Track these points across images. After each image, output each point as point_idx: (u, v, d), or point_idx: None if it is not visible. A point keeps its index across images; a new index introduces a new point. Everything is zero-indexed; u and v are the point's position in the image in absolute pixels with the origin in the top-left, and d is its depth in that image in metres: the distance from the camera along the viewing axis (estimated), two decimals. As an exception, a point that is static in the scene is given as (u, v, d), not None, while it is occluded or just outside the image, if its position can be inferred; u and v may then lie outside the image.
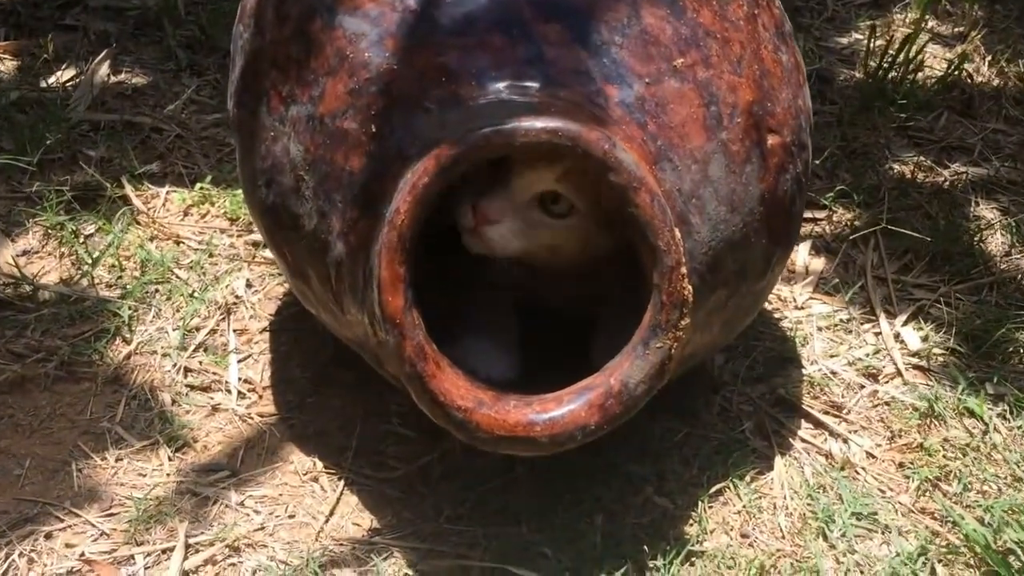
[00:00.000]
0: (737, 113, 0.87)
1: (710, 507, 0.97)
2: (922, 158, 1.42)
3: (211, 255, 1.25)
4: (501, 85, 0.83)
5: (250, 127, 0.95)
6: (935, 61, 1.62)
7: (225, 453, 1.03)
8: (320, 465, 1.01)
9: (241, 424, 1.06)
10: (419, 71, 0.84)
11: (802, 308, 1.21)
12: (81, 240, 1.26)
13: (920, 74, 1.54)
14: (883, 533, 0.96)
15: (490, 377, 0.90)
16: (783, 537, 0.95)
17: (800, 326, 1.17)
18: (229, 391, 1.09)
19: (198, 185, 1.35)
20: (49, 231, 1.27)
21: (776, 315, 1.19)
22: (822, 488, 0.99)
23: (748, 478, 0.99)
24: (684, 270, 0.82)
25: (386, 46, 0.85)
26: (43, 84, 1.53)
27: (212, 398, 1.08)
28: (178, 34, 1.64)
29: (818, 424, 1.07)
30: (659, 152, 0.84)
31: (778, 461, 1.02)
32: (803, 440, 1.05)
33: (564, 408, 0.82)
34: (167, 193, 1.35)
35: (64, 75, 1.56)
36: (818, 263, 1.27)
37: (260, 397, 1.09)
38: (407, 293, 0.81)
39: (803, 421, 1.07)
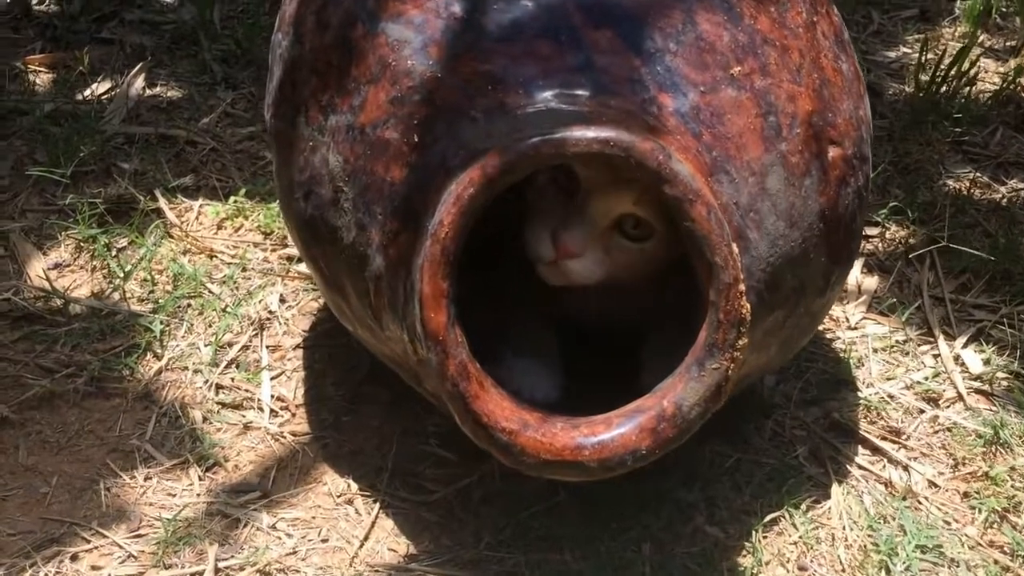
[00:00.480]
0: (797, 123, 0.83)
1: (764, 537, 0.92)
2: (978, 174, 1.37)
3: (244, 269, 1.23)
4: (549, 94, 0.79)
5: (288, 138, 0.92)
6: (987, 75, 1.57)
7: (257, 473, 0.99)
8: (355, 487, 0.97)
9: (273, 443, 1.02)
10: (464, 79, 0.81)
11: (856, 328, 1.16)
12: (113, 253, 1.24)
13: (973, 88, 1.49)
14: (950, 567, 0.91)
15: (534, 398, 0.87)
16: (843, 571, 0.90)
17: (854, 347, 1.12)
18: (261, 409, 1.06)
19: (231, 199, 1.33)
20: (81, 244, 1.25)
21: (829, 335, 1.15)
22: (883, 518, 0.94)
23: (804, 507, 0.95)
24: (742, 287, 0.77)
25: (430, 53, 0.82)
26: (78, 97, 1.52)
27: (244, 416, 1.05)
28: (214, 48, 1.63)
29: (876, 450, 1.02)
30: (715, 164, 0.80)
31: (835, 489, 0.97)
32: (861, 467, 1.00)
33: (614, 431, 0.78)
34: (200, 207, 1.33)
35: (99, 88, 1.54)
36: (872, 282, 1.22)
37: (293, 415, 1.06)
38: (450, 309, 0.77)
39: (860, 447, 1.02)
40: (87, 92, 1.52)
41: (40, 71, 1.58)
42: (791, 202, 0.83)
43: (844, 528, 0.93)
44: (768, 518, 0.93)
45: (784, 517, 0.94)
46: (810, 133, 0.84)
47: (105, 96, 1.53)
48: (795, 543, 0.92)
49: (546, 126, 0.77)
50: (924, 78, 1.48)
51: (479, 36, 0.81)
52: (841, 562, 0.90)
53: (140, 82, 1.57)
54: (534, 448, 0.77)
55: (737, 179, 0.81)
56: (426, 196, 0.81)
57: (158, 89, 1.56)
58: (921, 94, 1.46)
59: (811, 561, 0.90)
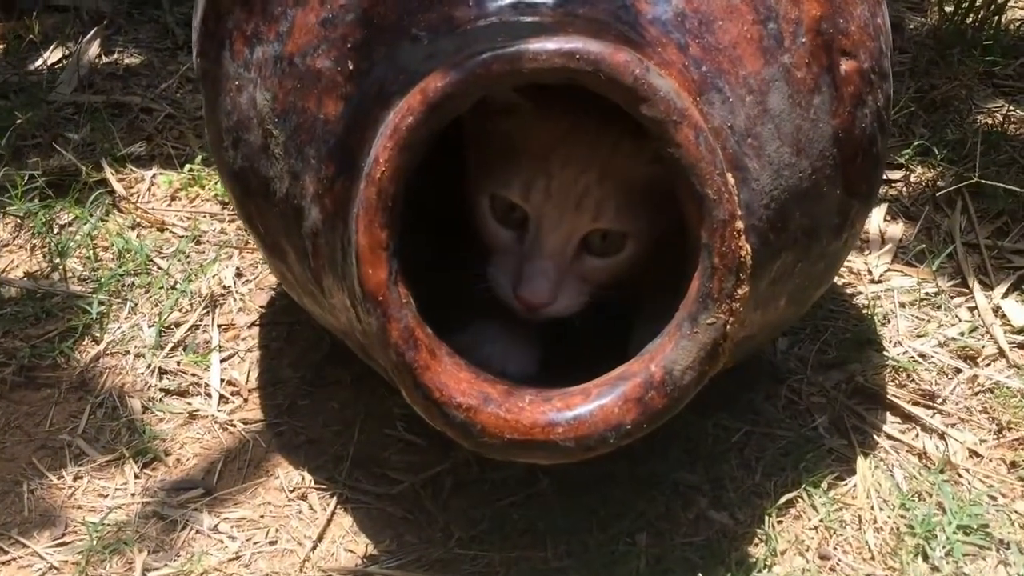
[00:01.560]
0: (802, 31, 0.70)
1: (779, 522, 0.80)
2: (1011, 108, 1.23)
3: (198, 242, 1.11)
4: (505, 3, 0.67)
5: (214, 78, 0.79)
6: (1018, 2, 1.42)
7: (200, 468, 0.87)
8: (310, 479, 0.86)
9: (221, 433, 0.91)
10: (404, -8, 0.68)
11: (880, 281, 1.03)
12: (55, 231, 1.12)
13: (1002, 17, 1.35)
14: (998, 550, 0.78)
15: (505, 371, 0.74)
16: (872, 558, 0.77)
17: (878, 302, 0.99)
18: (209, 395, 0.94)
19: (187, 167, 1.21)
20: (21, 221, 1.14)
21: (849, 290, 1.01)
22: (918, 495, 0.81)
23: (825, 485, 0.82)
24: (740, 225, 0.65)
25: (363, -36, 0.69)
26: (30, 68, 1.40)
27: (189, 404, 0.93)
28: (176, 11, 1.51)
29: (907, 417, 0.89)
30: (704, 80, 0.67)
31: (861, 463, 0.84)
32: (890, 437, 0.87)
33: (593, 403, 0.65)
34: (153, 176, 1.21)
35: (52, 57, 1.43)
36: (896, 229, 1.08)
37: (245, 401, 0.94)
38: (391, 263, 0.65)
39: (888, 414, 0.89)
40: (38, 62, 1.41)
41: (-12, 43, 1.47)
42: (798, 125, 0.70)
43: (872, 508, 0.80)
44: (783, 500, 0.81)
45: (802, 498, 0.81)
46: (818, 42, 0.70)
47: (57, 65, 1.41)
48: (815, 528, 0.79)
49: (500, 41, 0.65)
50: (948, 8, 1.34)
51: (419, -59, 0.69)
52: (870, 548, 0.77)
53: (95, 49, 1.45)
54: (497, 426, 0.65)
55: (732, 98, 0.68)
56: (363, 133, 0.68)
57: (115, 56, 1.44)
58: (946, 25, 1.32)
59: (834, 548, 0.77)
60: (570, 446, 0.65)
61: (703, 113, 0.66)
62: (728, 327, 0.65)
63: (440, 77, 0.64)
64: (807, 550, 0.77)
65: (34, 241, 1.11)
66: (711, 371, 0.66)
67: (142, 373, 0.96)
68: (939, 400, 0.90)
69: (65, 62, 1.41)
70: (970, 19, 1.31)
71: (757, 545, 0.78)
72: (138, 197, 1.18)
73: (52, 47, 1.44)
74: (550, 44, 0.63)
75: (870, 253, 1.06)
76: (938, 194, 1.10)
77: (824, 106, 0.71)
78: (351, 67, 0.69)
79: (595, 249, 0.73)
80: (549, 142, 0.70)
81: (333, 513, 0.83)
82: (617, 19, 0.66)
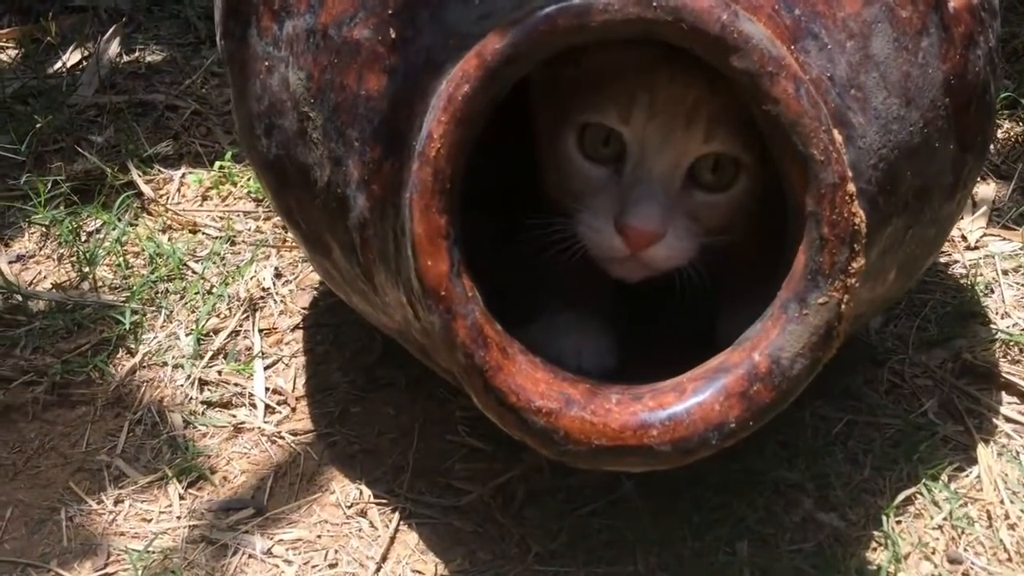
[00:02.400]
0: (904, -36, 0.61)
1: (898, 522, 0.71)
2: (1104, 51, 1.13)
3: (233, 243, 1.04)
4: (565, -49, 0.58)
5: (241, 60, 0.72)
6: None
7: (249, 485, 0.81)
8: (368, 494, 0.78)
9: (269, 446, 0.84)
10: (449, -54, 0.60)
11: (976, 248, 0.94)
12: (83, 238, 1.06)
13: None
14: None
15: (581, 367, 0.66)
16: (1010, 559, 0.68)
17: (979, 270, 0.90)
18: (254, 405, 0.87)
19: (217, 164, 1.14)
20: (48, 230, 1.07)
21: (944, 259, 0.92)
22: (1052, 485, 0.72)
23: (945, 477, 0.73)
24: (851, 188, 0.56)
25: (402, -82, 0.62)
26: (49, 71, 1.34)
27: (234, 416, 0.86)
28: (197, 4, 1.44)
29: (1025, 396, 0.80)
30: (798, 25, 0.59)
31: (981, 451, 0.75)
32: (1009, 420, 0.78)
33: (689, 400, 0.57)
34: (182, 176, 1.14)
35: (71, 59, 1.37)
36: (988, 190, 0.99)
37: (293, 410, 0.87)
38: (452, 253, 0.57)
39: (1004, 394, 0.81)
40: (57, 65, 1.35)
41: (7, 47, 1.41)
42: (905, 71, 0.61)
43: (1003, 502, 0.71)
44: (900, 497, 0.72)
45: (921, 494, 0.72)
46: (923, -24, 0.62)
47: (77, 67, 1.35)
48: (939, 527, 0.71)
49: (563, -7, 0.56)
50: (1022, -53, 1.24)
51: None
52: (1006, 548, 0.69)
53: (115, 48, 1.39)
54: (583, 432, 0.57)
55: (830, 44, 0.59)
56: (412, 108, 0.61)
57: (136, 54, 1.38)
58: (1022, -35, 1.22)
59: (965, 550, 0.69)
60: (666, 450, 0.57)
61: (800, 63, 0.58)
62: (843, 307, 0.56)
63: (498, 38, 0.56)
64: (934, 553, 0.69)
65: (61, 251, 1.05)
66: (825, 358, 0.58)
67: (181, 385, 0.89)
68: (1060, 375, 0.81)
69: (85, 63, 1.35)
70: (1049, -42, 1.21)
71: (876, 550, 0.69)
72: (167, 198, 1.11)
73: (71, 49, 1.38)
74: (622, -8, 0.55)
75: (963, 217, 0.96)
76: (1038, 150, 1.01)
77: (933, 49, 0.62)
78: (393, 35, 0.62)
79: (705, 182, 0.63)
80: (647, 60, 0.60)
81: (396, 530, 0.75)
82: (695, -39, 0.58)
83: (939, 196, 0.65)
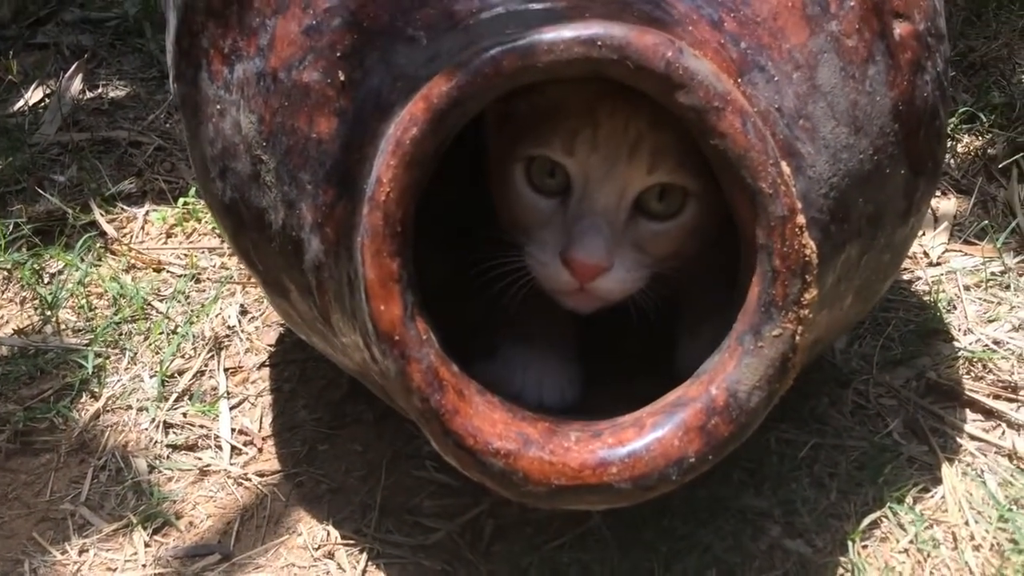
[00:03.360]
0: (848, -7, 0.61)
1: (864, 547, 0.71)
2: (1059, 63, 1.14)
3: (197, 280, 1.03)
4: (510, -9, 0.58)
5: (193, 103, 0.72)
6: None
7: (216, 530, 0.80)
8: (336, 534, 0.78)
9: (236, 489, 0.83)
10: (395, -12, 0.60)
11: (939, 264, 0.94)
12: (45, 280, 1.05)
13: (1037, -33, 1.26)
14: (1115, 560, 0.69)
15: (543, 402, 0.66)
16: (975, 581, 0.68)
17: (941, 287, 0.91)
18: (220, 447, 0.86)
19: (181, 200, 1.13)
20: (9, 273, 1.06)
21: (906, 276, 0.93)
22: (1015, 503, 0.72)
23: (910, 499, 0.73)
24: (801, 220, 0.56)
25: (347, -40, 0.61)
26: (11, 110, 1.33)
27: (199, 459, 0.86)
28: (160, 38, 1.44)
29: (989, 413, 0.81)
30: (745, 59, 0.59)
31: (947, 471, 0.75)
32: (974, 438, 0.78)
33: (648, 436, 0.57)
34: (146, 214, 1.14)
35: (33, 97, 1.36)
36: (949, 205, 1.00)
37: (259, 451, 0.86)
38: (405, 296, 0.57)
39: (968, 412, 0.81)
40: (19, 104, 1.34)
41: (-33, 88, 1.40)
42: (853, 100, 0.61)
43: (968, 523, 0.71)
44: (866, 521, 0.72)
45: (886, 517, 0.72)
46: (868, 5, 0.62)
47: (40, 105, 1.34)
48: (905, 551, 0.71)
49: (509, 33, 0.57)
50: (977, -38, 1.25)
51: (409, -71, 0.61)
52: (971, 570, 0.69)
53: (78, 84, 1.38)
54: (542, 472, 0.57)
55: (777, 76, 0.59)
56: (362, 150, 0.60)
57: (100, 90, 1.37)
58: (977, -20, 1.23)
59: (931, 573, 0.69)
60: (627, 487, 0.57)
61: (747, 96, 0.58)
62: (798, 338, 0.56)
63: (445, 80, 0.56)
64: (900, 577, 0.69)
65: (23, 294, 1.04)
66: (781, 389, 0.57)
67: (146, 428, 0.88)
68: (1022, 391, 0.81)
69: (47, 101, 1.35)
70: (1002, -28, 1.23)
71: (843, 575, 0.69)
72: (131, 237, 1.10)
73: (33, 87, 1.37)
74: (566, 32, 0.55)
75: (924, 234, 0.97)
76: (998, 165, 1.01)
77: (880, 77, 0.62)
78: (342, 78, 0.61)
79: (652, 211, 0.63)
80: (591, 94, 0.61)
81: (364, 571, 0.75)
82: (639, -3, 0.58)
83: (892, 221, 0.66)
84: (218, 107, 0.68)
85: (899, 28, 0.64)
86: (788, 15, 0.60)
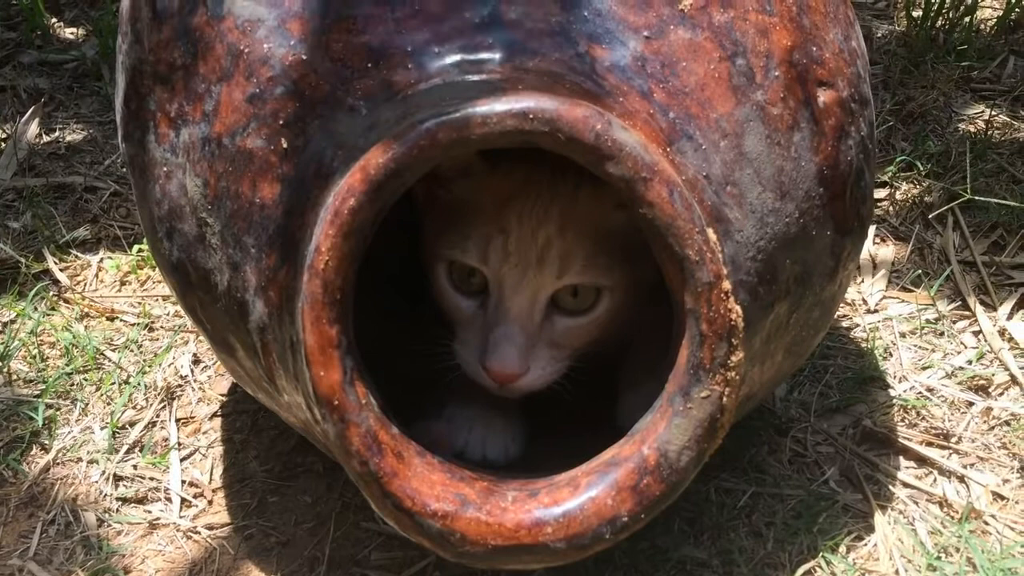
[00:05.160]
0: (773, 64, 0.64)
1: (799, 595, 0.73)
2: (993, 112, 1.17)
3: (150, 329, 1.04)
4: (448, 62, 0.61)
5: (141, 164, 0.73)
6: (988, 1, 1.38)
7: (164, 584, 0.80)
8: (284, 588, 0.78)
9: (185, 542, 0.83)
10: (336, 59, 0.62)
11: (876, 311, 0.97)
12: (-3, 330, 1.05)
13: (973, 17, 1.30)
14: (1038, 607, 0.71)
15: (486, 458, 0.68)
16: (904, 630, 0.70)
17: (878, 334, 0.93)
18: (170, 500, 0.87)
19: (136, 247, 1.14)
20: (-39, 324, 1.06)
21: (845, 323, 0.95)
22: (944, 551, 0.75)
23: (843, 548, 0.75)
24: (727, 285, 0.58)
25: (290, 31, 0.63)
26: (-35, 155, 1.33)
27: (149, 511, 0.86)
28: (118, 81, 1.44)
29: (922, 460, 0.83)
30: (673, 128, 0.61)
31: (879, 519, 0.77)
32: (906, 485, 0.81)
33: (583, 496, 0.59)
34: (100, 261, 1.14)
35: (-13, 142, 1.36)
36: (887, 252, 1.03)
37: (209, 503, 0.86)
38: (345, 362, 0.58)
39: (902, 459, 0.83)
40: (-27, 149, 1.34)
41: (-78, 132, 1.40)
42: (779, 166, 0.64)
43: (898, 571, 0.73)
44: (801, 570, 0.74)
45: (820, 566, 0.74)
46: (792, 75, 0.65)
47: (-6, 150, 1.34)
48: (839, 600, 0.73)
49: (445, 104, 0.58)
50: (916, 13, 1.29)
51: (350, 0, 0.62)
52: (901, 618, 0.71)
53: (34, 128, 1.38)
54: (478, 533, 0.58)
55: (705, 145, 0.62)
56: (304, 217, 0.62)
57: (56, 134, 1.37)
58: (915, 31, 1.27)
59: (862, 622, 0.71)
60: (561, 547, 0.58)
61: (675, 164, 0.60)
62: (725, 399, 0.58)
63: (381, 152, 0.57)
64: (832, 627, 0.71)
65: (-26, 345, 1.04)
66: (711, 449, 0.59)
67: (96, 481, 0.89)
68: (954, 439, 0.84)
69: (3, 145, 1.35)
70: (940, 22, 1.27)
71: (777, 626, 0.71)
72: (85, 285, 1.10)
73: (-12, 130, 1.37)
74: (500, 105, 0.57)
75: (863, 280, 1.00)
76: (929, 214, 1.04)
77: (805, 143, 0.65)
78: (285, 145, 0.63)
79: (566, 307, 0.66)
80: (502, 197, 0.64)
81: (312, 625, 0.76)
82: (572, 69, 0.60)
83: (820, 279, 0.68)
84: (165, 169, 0.70)
85: (823, 96, 0.66)
86: (715, 85, 0.62)
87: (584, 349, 0.68)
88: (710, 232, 0.58)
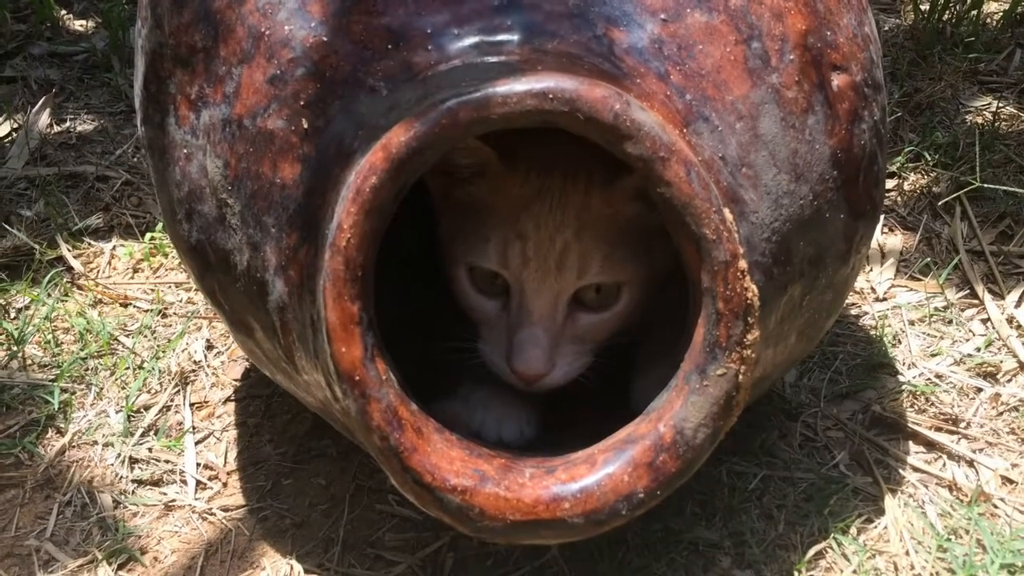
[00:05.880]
0: (788, 48, 0.65)
1: (810, 576, 0.74)
2: (1000, 104, 1.18)
3: (164, 315, 1.05)
4: (467, 44, 0.61)
5: (160, 146, 0.74)
6: (994, -5, 1.39)
7: (181, 565, 0.81)
8: (299, 568, 0.79)
9: (200, 523, 0.84)
10: (356, 40, 0.63)
11: (885, 299, 0.97)
12: (12, 316, 1.06)
13: (980, 10, 1.31)
14: (1047, 587, 0.72)
15: (502, 438, 0.69)
16: (915, 609, 0.71)
17: (887, 322, 0.94)
18: (185, 482, 0.87)
19: (148, 235, 1.15)
20: (-25, 310, 1.07)
21: (854, 311, 0.96)
22: (954, 533, 0.75)
23: (854, 530, 0.76)
24: (743, 264, 0.59)
25: (311, 13, 0.64)
26: (-22, 145, 1.34)
27: (164, 494, 0.87)
28: (128, 72, 1.46)
29: (931, 445, 0.83)
30: (690, 109, 0.62)
31: (889, 502, 0.78)
32: (916, 469, 0.81)
33: (600, 472, 0.60)
34: (113, 249, 1.15)
35: (0, 131, 1.37)
36: (896, 242, 1.03)
37: (224, 485, 0.87)
38: (366, 339, 0.59)
39: (911, 444, 0.84)
40: (-15, 138, 1.35)
41: (-67, 122, 1.41)
42: (793, 148, 0.64)
43: (908, 552, 0.74)
44: (812, 552, 0.75)
45: (831, 548, 0.75)
46: (807, 58, 0.65)
47: (7, 139, 1.35)
48: (850, 579, 0.73)
49: (465, 85, 0.59)
50: (924, 6, 1.30)
51: (370, -16, 0.63)
52: (911, 598, 0.71)
53: (45, 118, 1.39)
54: (497, 508, 0.59)
55: (721, 126, 0.62)
56: (325, 196, 0.62)
57: (67, 124, 1.38)
58: (923, 24, 1.28)
59: (873, 601, 0.72)
60: (579, 522, 0.59)
61: (692, 145, 0.61)
62: (741, 377, 0.59)
63: (403, 131, 0.58)
64: (844, 606, 0.72)
65: (-10, 330, 1.05)
66: (726, 426, 0.60)
67: (112, 464, 0.89)
68: (963, 424, 0.85)
69: (15, 135, 1.35)
70: (947, 15, 1.27)
71: (789, 605, 0.72)
72: (98, 272, 1.11)
73: (0, 120, 1.38)
74: (519, 85, 0.58)
75: (871, 269, 1.01)
76: (937, 204, 1.05)
77: (819, 126, 0.66)
78: (305, 126, 0.64)
79: (588, 304, 0.68)
80: (519, 202, 0.66)
81: (327, 605, 0.76)
82: (590, 51, 0.61)
83: (833, 262, 0.69)
84: (185, 151, 0.70)
85: (837, 80, 0.67)
86: (731, 68, 0.63)
87: (608, 342, 0.69)
88: (727, 212, 0.59)
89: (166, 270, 1.12)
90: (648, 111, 0.59)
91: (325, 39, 0.63)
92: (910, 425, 0.85)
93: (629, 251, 0.66)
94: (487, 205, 0.66)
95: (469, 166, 0.65)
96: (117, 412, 0.94)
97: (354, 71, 0.63)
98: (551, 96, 0.58)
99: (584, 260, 0.65)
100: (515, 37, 0.61)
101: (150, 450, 0.91)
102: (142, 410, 0.94)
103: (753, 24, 0.64)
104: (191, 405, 0.95)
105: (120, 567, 0.81)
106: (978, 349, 0.91)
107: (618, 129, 0.58)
